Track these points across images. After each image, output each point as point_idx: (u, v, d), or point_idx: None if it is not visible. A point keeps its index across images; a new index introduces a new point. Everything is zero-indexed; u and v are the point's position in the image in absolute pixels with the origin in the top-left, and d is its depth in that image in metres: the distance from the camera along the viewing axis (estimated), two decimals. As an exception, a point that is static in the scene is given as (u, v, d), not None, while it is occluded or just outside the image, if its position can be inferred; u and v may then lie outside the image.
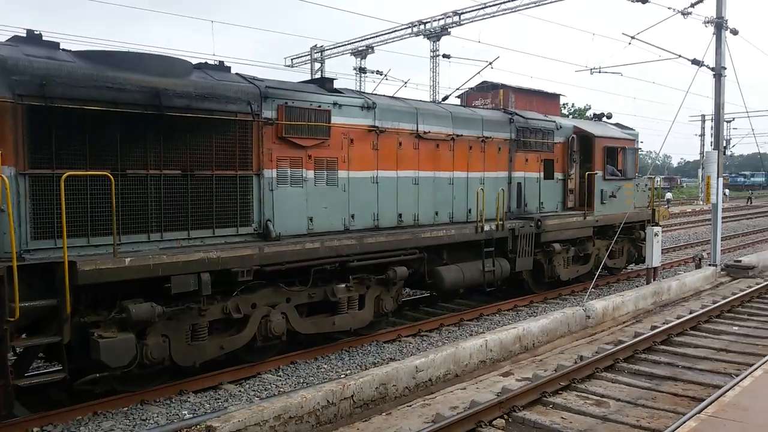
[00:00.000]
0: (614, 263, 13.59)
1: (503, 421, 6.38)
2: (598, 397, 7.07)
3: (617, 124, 14.28)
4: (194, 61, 8.06)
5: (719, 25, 14.69)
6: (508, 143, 11.21)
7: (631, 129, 14.36)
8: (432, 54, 38.47)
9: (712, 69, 14.93)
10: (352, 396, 6.63)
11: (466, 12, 33.84)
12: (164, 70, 7.33)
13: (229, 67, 8.30)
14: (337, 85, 9.43)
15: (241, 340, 7.66)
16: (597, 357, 8.13)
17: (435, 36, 37.38)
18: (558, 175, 12.31)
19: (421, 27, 36.43)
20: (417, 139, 9.69)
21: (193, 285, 7.01)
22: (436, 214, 10.03)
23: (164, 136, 7.11)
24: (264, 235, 7.92)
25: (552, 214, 11.89)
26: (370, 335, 9.27)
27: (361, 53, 39.87)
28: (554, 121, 12.28)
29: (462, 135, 10.33)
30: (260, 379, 7.77)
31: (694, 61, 14.56)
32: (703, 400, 6.22)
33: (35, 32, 7.08)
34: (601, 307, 10.65)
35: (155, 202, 7.08)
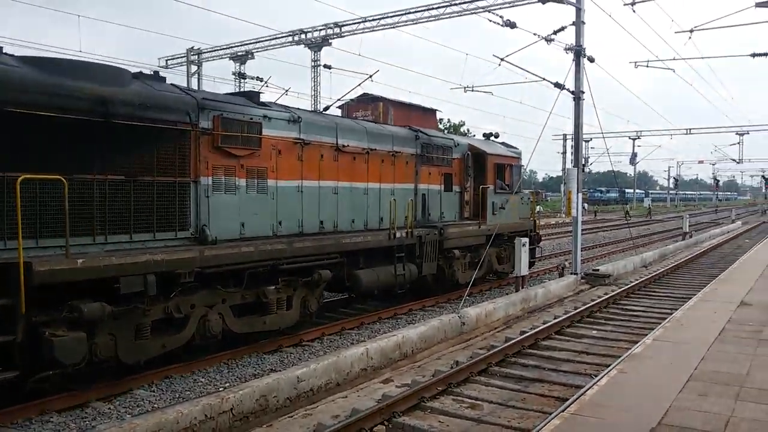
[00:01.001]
0: (503, 268, 15.54)
1: (383, 427, 6.74)
2: (473, 400, 7.62)
3: (503, 143, 16.33)
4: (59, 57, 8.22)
5: (578, 52, 16.42)
6: (415, 158, 12.67)
7: (516, 148, 16.44)
8: (313, 64, 39.57)
9: (572, 92, 16.61)
10: (232, 409, 6.74)
11: (346, 24, 35.18)
12: (108, 78, 7.88)
13: (164, 78, 8.96)
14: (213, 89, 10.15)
15: (182, 338, 8.31)
16: (471, 362, 8.73)
17: (316, 46, 38.51)
18: (456, 188, 13.96)
19: (303, 36, 37.37)
20: (337, 152, 10.82)
21: (140, 286, 7.60)
22: (353, 221, 11.20)
23: (109, 142, 7.64)
24: (200, 239, 8.62)
25: (452, 223, 13.52)
26: (250, 346, 9.49)
27: (241, 58, 40.13)
28: (452, 139, 13.98)
29: (375, 149, 11.64)
30: (132, 395, 7.70)
31: (557, 85, 16.20)
32: (567, 399, 6.69)
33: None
34: (474, 314, 11.42)
35: (100, 206, 7.57)
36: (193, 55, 40.62)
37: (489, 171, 14.37)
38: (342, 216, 10.96)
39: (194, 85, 37.09)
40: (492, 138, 15.96)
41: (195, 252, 8.27)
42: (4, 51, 7.37)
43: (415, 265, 12.16)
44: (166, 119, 8.23)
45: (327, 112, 13.13)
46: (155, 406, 7.34)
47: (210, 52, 40.29)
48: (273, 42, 38.11)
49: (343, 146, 10.91)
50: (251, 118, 9.34)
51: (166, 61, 41.44)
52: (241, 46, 39.42)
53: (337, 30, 36.13)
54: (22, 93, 6.88)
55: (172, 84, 8.95)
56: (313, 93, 40.41)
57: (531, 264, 16.34)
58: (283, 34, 37.71)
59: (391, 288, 11.79)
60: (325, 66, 34.99)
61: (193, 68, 40.71)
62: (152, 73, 8.87)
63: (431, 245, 12.46)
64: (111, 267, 7.30)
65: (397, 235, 11.51)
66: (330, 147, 10.70)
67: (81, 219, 7.40)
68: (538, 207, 51.49)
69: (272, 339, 9.82)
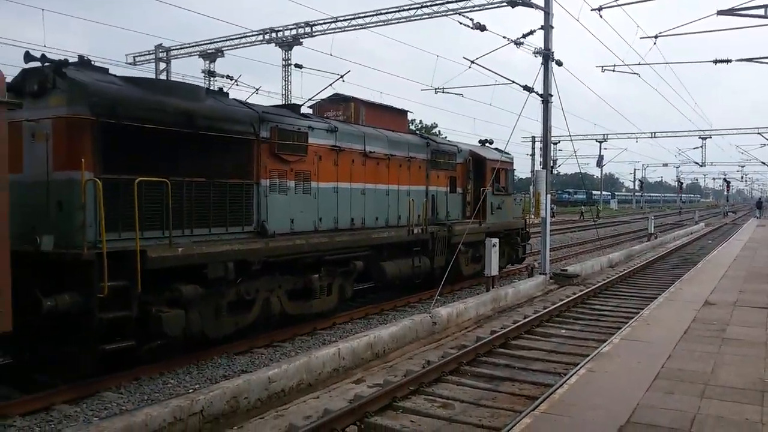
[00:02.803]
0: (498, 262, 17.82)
1: (356, 427, 7.04)
2: (445, 400, 8.00)
3: (497, 149, 18.60)
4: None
5: (546, 56, 17.67)
6: (426, 163, 14.87)
7: (508, 153, 18.77)
8: (284, 63, 41.28)
9: (541, 95, 17.78)
10: (202, 411, 7.00)
11: (317, 24, 36.80)
12: (190, 95, 9.79)
13: (228, 93, 10.88)
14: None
15: (250, 318, 10.25)
16: (443, 361, 9.22)
17: (287, 45, 40.19)
18: (459, 189, 16.22)
19: (273, 35, 38.94)
20: (364, 158, 12.91)
21: (222, 271, 9.52)
22: (377, 219, 13.29)
23: (194, 150, 9.54)
24: (261, 233, 10.55)
25: (457, 221, 15.73)
26: (223, 347, 10.15)
27: (211, 56, 41.53)
28: (456, 146, 16.24)
29: (395, 155, 13.78)
30: (99, 397, 7.98)
31: (526, 88, 17.48)
32: (537, 398, 6.93)
33: (85, 58, 9.20)
34: (446, 314, 12.11)
35: (188, 204, 9.45)
36: (162, 52, 41.84)
37: (488, 174, 16.64)
38: (368, 214, 13.05)
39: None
40: (487, 144, 18.25)
41: (261, 243, 10.24)
42: (109, 71, 9.23)
43: (428, 259, 14.31)
44: (236, 130, 10.15)
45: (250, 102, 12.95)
46: (123, 408, 7.60)
47: (179, 49, 41.52)
48: (243, 40, 39.48)
49: (370, 152, 13.00)
50: (299, 129, 11.33)
51: (134, 57, 42.50)
52: (210, 43, 40.73)
53: (308, 29, 37.50)
54: (132, 109, 8.72)
55: (234, 98, 10.86)
56: (284, 92, 42.14)
57: (522, 259, 18.75)
58: (254, 33, 39.03)
59: (409, 279, 13.91)
60: (296, 65, 36.46)
61: (162, 65, 42.00)
62: (218, 89, 10.76)
63: (441, 241, 14.64)
64: (202, 255, 9.23)
65: (415, 231, 13.67)
66: (359, 153, 12.78)
67: (175, 215, 9.25)
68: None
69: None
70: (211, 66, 41.68)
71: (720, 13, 16.53)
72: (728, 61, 22.64)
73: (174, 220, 9.18)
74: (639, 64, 24.74)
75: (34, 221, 8.31)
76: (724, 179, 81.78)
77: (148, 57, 42.05)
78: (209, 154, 9.74)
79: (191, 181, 9.45)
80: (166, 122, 9.08)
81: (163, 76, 41.23)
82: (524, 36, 17.63)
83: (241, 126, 10.27)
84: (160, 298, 8.90)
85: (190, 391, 7.99)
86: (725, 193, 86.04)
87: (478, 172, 16.69)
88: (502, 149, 18.48)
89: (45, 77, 8.40)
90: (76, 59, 9.03)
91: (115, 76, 9.26)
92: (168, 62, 42.42)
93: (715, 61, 22.96)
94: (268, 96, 44.63)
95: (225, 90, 11.12)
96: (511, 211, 17.98)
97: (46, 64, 8.46)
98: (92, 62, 9.17)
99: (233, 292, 9.95)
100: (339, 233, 12.03)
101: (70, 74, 8.36)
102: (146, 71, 41.12)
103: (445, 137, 41.73)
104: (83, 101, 8.21)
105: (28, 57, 8.38)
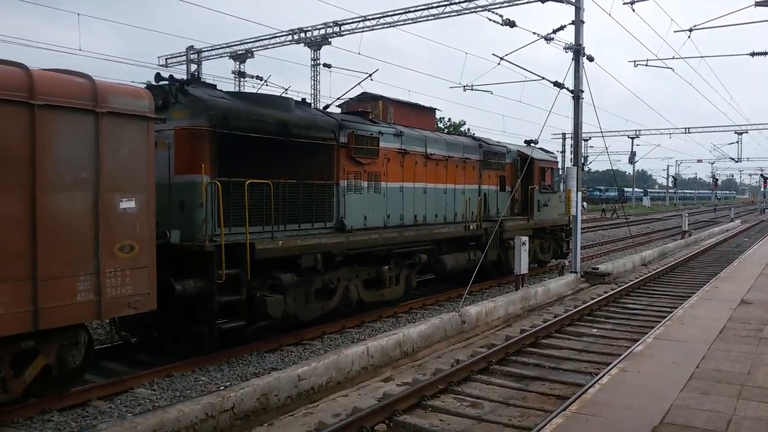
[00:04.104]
0: (544, 257, 19.47)
1: (385, 425, 7.22)
2: (474, 399, 8.20)
3: (541, 148, 20.19)
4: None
5: (577, 51, 18.14)
6: (479, 163, 16.60)
7: (553, 153, 20.39)
8: (313, 62, 43.00)
9: (572, 91, 18.31)
10: (233, 408, 7.30)
11: (346, 23, 38.33)
12: (283, 106, 11.54)
13: (310, 103, 12.61)
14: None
15: (332, 303, 11.98)
16: (472, 360, 9.48)
17: (316, 45, 41.88)
18: (508, 188, 17.90)
19: (302, 35, 40.66)
20: (425, 159, 14.64)
21: (313, 262, 11.24)
22: (436, 216, 15.01)
23: (286, 155, 11.27)
24: (340, 228, 12.27)
25: (507, 218, 17.39)
26: (252, 344, 10.70)
27: (241, 57, 43.43)
28: (505, 146, 17.94)
29: (452, 156, 15.50)
30: (132, 394, 8.40)
31: (556, 84, 17.99)
32: (568, 398, 7.08)
33: (195, 75, 10.98)
34: (475, 313, 12.49)
35: (282, 202, 11.18)
36: (193, 53, 43.83)
37: (535, 173, 18.29)
38: (429, 211, 14.79)
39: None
40: (532, 144, 19.85)
41: (343, 238, 11.97)
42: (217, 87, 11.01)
43: (482, 253, 15.95)
44: (320, 136, 11.88)
45: (328, 110, 14.26)
46: (156, 404, 7.97)
47: (209, 50, 43.46)
48: (272, 41, 41.18)
49: (430, 154, 14.72)
50: (371, 134, 13.05)
51: (166, 59, 44.51)
52: (240, 44, 42.54)
53: (336, 29, 38.95)
54: (240, 120, 10.44)
55: (315, 107, 12.60)
56: (312, 92, 43.90)
57: (567, 254, 20.34)
58: (283, 33, 40.67)
59: (465, 271, 15.55)
60: (325, 65, 38.11)
61: (193, 67, 43.97)
62: (302, 100, 12.52)
63: (494, 236, 16.28)
64: (297, 247, 10.97)
65: (470, 227, 15.34)
66: (421, 155, 14.51)
67: (273, 212, 10.97)
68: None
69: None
70: (242, 67, 43.56)
71: (758, 4, 16.95)
72: (766, 53, 23.11)
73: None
74: (673, 58, 24.86)
75: (157, 218, 10.05)
76: (761, 175, 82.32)
77: (179, 59, 44.02)
78: (298, 158, 11.47)
79: (285, 182, 11.18)
80: (267, 131, 10.80)
81: (194, 78, 43.22)
82: (554, 31, 18.23)
83: (324, 133, 12.00)
84: (263, 284, 10.63)
85: (222, 388, 8.41)
86: (762, 189, 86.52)
87: (526, 171, 18.29)
88: (546, 149, 20.09)
89: (168, 93, 10.16)
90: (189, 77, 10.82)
91: (221, 90, 11.03)
92: (199, 64, 44.38)
93: (753, 54, 23.30)
94: (297, 95, 46.24)
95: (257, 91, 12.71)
96: (556, 208, 19.62)
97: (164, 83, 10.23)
98: (200, 78, 10.93)
99: (320, 281, 11.68)
100: (405, 229, 13.74)
101: (191, 91, 10.13)
102: (178, 73, 42.91)
103: (473, 134, 43.39)
104: (203, 114, 9.97)
105: (158, 77, 10.15)
